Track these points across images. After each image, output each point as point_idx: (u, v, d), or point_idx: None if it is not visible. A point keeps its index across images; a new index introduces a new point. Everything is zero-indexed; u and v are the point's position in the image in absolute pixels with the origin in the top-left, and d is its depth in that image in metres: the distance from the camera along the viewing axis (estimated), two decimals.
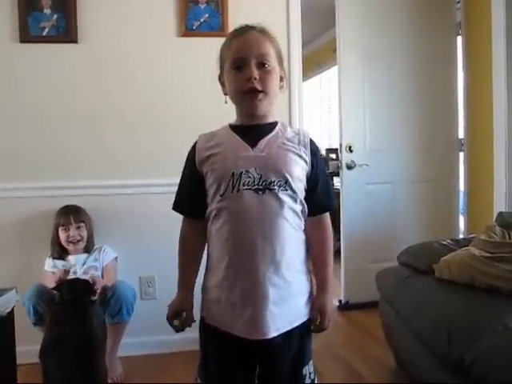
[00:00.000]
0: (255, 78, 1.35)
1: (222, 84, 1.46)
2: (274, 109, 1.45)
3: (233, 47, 1.40)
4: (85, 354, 2.13)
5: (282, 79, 1.45)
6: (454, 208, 3.90)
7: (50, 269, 2.67)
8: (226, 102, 1.46)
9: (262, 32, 1.41)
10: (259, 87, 1.36)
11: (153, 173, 2.91)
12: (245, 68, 1.36)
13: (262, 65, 1.37)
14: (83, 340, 2.15)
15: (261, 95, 1.37)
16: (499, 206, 3.21)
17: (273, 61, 1.39)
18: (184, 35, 2.92)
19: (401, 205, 3.76)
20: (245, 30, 1.41)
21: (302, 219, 1.43)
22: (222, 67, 1.45)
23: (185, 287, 1.50)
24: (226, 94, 1.46)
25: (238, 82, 1.37)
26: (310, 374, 1.46)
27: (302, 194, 1.41)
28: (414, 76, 3.74)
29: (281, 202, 1.35)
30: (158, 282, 2.95)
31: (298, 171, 1.39)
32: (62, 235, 2.66)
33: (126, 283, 2.63)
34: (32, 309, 2.42)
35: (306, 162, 1.41)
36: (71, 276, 2.55)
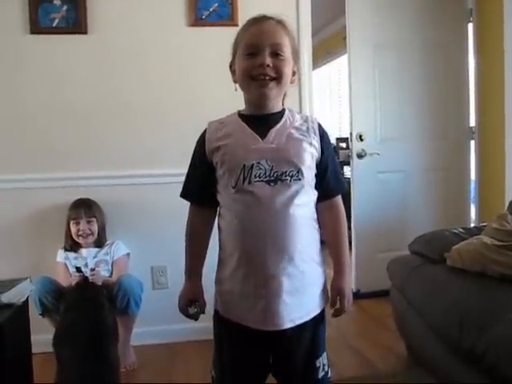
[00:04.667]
0: (268, 65, 1.34)
1: (233, 72, 1.45)
2: (281, 98, 1.45)
3: (248, 33, 1.39)
4: (97, 340, 2.15)
5: (294, 73, 1.44)
6: (466, 196, 3.88)
7: (62, 260, 2.71)
8: (236, 90, 1.46)
9: (280, 23, 1.40)
10: (271, 74, 1.35)
11: (163, 163, 2.92)
12: (258, 55, 1.35)
13: (275, 54, 1.36)
14: (95, 327, 2.18)
15: (272, 83, 1.36)
16: (511, 194, 3.20)
17: (287, 52, 1.38)
18: (194, 25, 2.91)
19: (412, 193, 3.75)
20: (262, 19, 1.40)
21: (315, 209, 1.44)
22: (234, 54, 1.44)
23: (193, 274, 1.51)
24: (235, 82, 1.45)
25: (250, 67, 1.36)
26: (323, 366, 1.46)
27: (313, 183, 1.42)
28: (425, 64, 3.71)
29: (293, 193, 1.35)
30: (170, 271, 2.97)
31: (309, 159, 1.39)
32: (73, 229, 2.69)
33: (131, 276, 2.64)
34: (38, 300, 2.46)
35: (315, 148, 1.41)
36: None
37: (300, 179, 1.36)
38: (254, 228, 1.35)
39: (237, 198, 1.37)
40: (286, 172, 1.34)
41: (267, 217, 1.34)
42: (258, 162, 1.34)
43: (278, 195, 1.34)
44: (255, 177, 1.34)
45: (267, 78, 1.35)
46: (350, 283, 1.51)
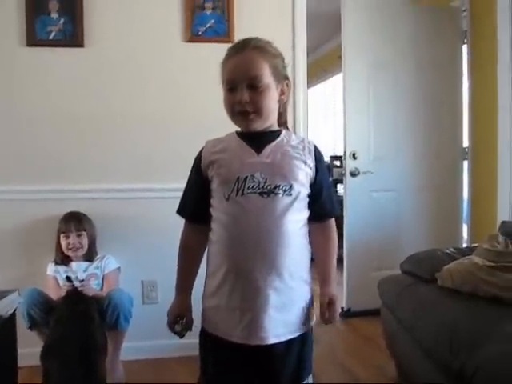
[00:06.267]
0: (246, 102, 1.36)
1: None
2: (274, 119, 1.46)
3: (226, 68, 1.41)
4: (86, 355, 2.13)
5: (283, 92, 1.45)
6: (458, 216, 3.89)
7: (52, 273, 2.69)
8: None
9: (258, 48, 1.40)
10: (250, 109, 1.37)
11: (155, 178, 2.91)
12: (236, 90, 1.37)
13: (253, 87, 1.37)
14: (85, 341, 2.16)
15: (252, 115, 1.38)
16: (503, 214, 3.20)
17: (266, 80, 1.38)
18: (190, 40, 2.93)
19: (404, 213, 3.76)
20: (240, 48, 1.41)
21: (306, 226, 1.44)
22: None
23: (183, 291, 1.52)
24: None
25: (231, 103, 1.39)
26: None
27: (306, 202, 1.42)
28: (419, 83, 3.74)
29: (285, 207, 1.36)
30: (160, 286, 2.95)
31: (303, 177, 1.40)
32: (63, 242, 2.68)
33: (121, 291, 2.61)
34: (26, 313, 2.44)
35: (310, 168, 1.42)
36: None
37: (292, 194, 1.37)
38: (243, 240, 1.36)
39: (228, 210, 1.37)
40: (279, 186, 1.36)
41: (257, 229, 1.35)
42: (252, 175, 1.36)
43: (269, 208, 1.35)
44: (248, 188, 1.35)
45: (247, 111, 1.37)
46: (336, 293, 1.51)
